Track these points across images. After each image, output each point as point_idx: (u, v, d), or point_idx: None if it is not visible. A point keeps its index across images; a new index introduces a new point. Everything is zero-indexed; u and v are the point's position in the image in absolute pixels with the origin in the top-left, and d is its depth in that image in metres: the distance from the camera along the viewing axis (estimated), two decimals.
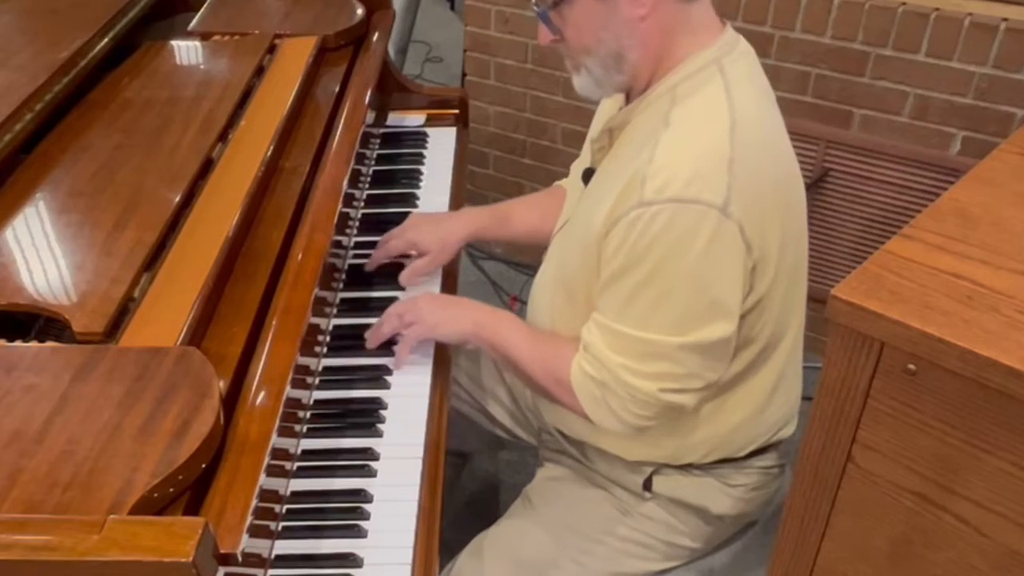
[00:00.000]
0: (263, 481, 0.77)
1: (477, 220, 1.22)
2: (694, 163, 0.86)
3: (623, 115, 0.97)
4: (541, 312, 1.08)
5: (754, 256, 0.89)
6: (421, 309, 1.06)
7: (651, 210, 0.86)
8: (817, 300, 1.04)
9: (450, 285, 1.23)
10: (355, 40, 1.40)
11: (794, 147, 1.00)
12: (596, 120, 1.13)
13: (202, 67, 1.27)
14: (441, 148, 1.48)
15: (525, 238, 1.25)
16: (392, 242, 1.18)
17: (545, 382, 1.01)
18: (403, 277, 1.18)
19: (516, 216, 1.25)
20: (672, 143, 0.88)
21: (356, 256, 1.22)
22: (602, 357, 0.93)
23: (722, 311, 0.89)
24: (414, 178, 1.40)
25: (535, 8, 0.94)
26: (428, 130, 1.52)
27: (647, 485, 1.07)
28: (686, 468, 1.07)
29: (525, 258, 2.24)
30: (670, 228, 0.86)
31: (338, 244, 1.14)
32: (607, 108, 1.09)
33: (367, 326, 1.10)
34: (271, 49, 1.31)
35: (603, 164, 1.01)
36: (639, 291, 0.89)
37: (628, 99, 1.00)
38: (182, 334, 0.83)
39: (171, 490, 0.69)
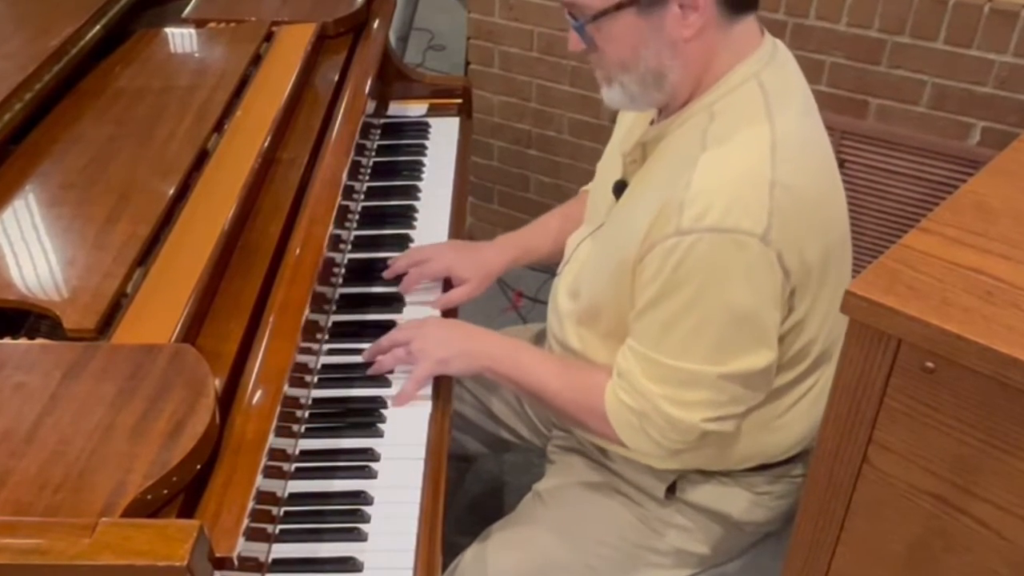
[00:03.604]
0: (260, 483, 0.76)
1: (512, 251, 1.20)
2: (734, 189, 0.84)
3: (658, 129, 0.94)
4: (564, 319, 1.06)
5: (792, 281, 0.87)
6: (429, 342, 1.01)
7: (689, 239, 0.84)
8: None
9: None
10: (355, 27, 1.39)
11: None
12: (620, 127, 1.10)
13: (197, 55, 1.25)
14: (444, 139, 1.46)
15: (553, 256, 1.22)
16: (430, 265, 1.15)
17: (575, 412, 1.00)
18: (439, 305, 1.14)
19: (546, 235, 1.23)
20: (710, 167, 0.86)
21: (356, 250, 1.20)
22: (640, 387, 0.92)
23: (763, 339, 0.88)
24: (416, 170, 1.38)
25: (571, 20, 0.90)
26: (430, 120, 1.50)
27: (670, 490, 1.06)
28: (713, 474, 1.05)
29: None
30: (708, 257, 0.84)
31: (337, 238, 1.12)
32: (633, 117, 1.06)
33: (367, 323, 1.08)
34: (268, 36, 1.29)
35: (636, 177, 0.98)
36: (677, 320, 0.88)
37: (660, 111, 0.97)
38: (176, 331, 0.81)
39: (165, 492, 0.68)
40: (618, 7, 0.86)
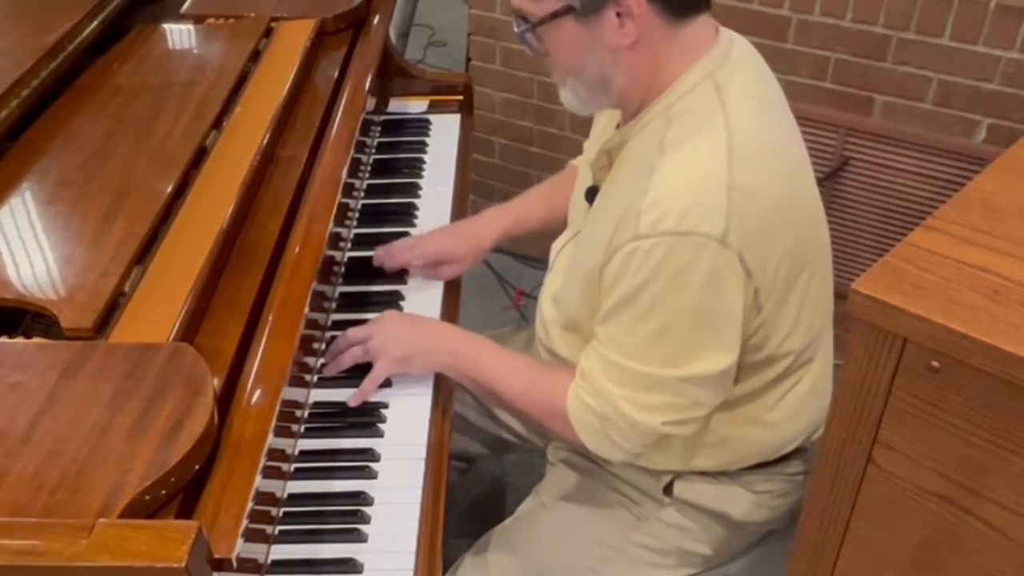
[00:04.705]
0: (259, 483, 0.76)
1: (502, 223, 1.21)
2: (691, 193, 0.84)
3: (620, 136, 0.95)
4: (550, 326, 1.05)
5: (755, 282, 0.87)
6: (388, 339, 1.00)
7: (647, 243, 0.84)
8: (837, 295, 1.02)
9: (454, 280, 1.20)
10: (355, 23, 1.38)
11: (812, 135, 0.97)
12: (594, 130, 1.10)
13: (195, 51, 1.25)
14: (444, 136, 1.45)
15: (541, 229, 1.23)
16: (420, 248, 1.15)
17: (538, 414, 0.99)
18: (431, 277, 1.15)
19: (533, 210, 1.23)
20: (667, 172, 0.86)
21: (356, 248, 1.20)
22: (602, 388, 0.92)
23: (723, 342, 0.88)
24: (416, 167, 1.38)
25: (515, 29, 0.91)
26: (431, 117, 1.50)
27: (667, 490, 1.05)
28: (710, 473, 1.05)
29: (531, 251, 2.21)
30: (667, 262, 0.84)
31: (337, 236, 1.11)
32: (603, 124, 1.06)
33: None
34: (267, 33, 1.29)
35: (605, 184, 0.98)
36: (638, 324, 0.88)
37: (623, 116, 0.97)
38: (174, 330, 0.81)
39: (163, 492, 0.68)
40: (555, 15, 0.86)
